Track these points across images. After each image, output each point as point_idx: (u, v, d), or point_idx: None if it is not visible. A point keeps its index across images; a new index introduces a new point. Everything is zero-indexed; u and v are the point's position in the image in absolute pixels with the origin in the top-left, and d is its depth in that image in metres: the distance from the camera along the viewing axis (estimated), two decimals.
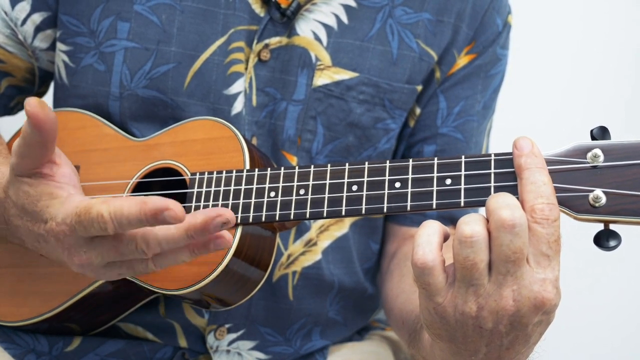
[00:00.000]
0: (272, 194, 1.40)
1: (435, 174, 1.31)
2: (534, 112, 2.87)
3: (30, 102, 1.27)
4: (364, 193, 1.34)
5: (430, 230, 1.23)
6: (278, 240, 1.66)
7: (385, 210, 1.32)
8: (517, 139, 1.26)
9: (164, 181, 1.53)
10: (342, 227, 1.76)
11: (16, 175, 1.36)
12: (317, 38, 1.69)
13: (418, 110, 1.78)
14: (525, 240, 1.18)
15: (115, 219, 1.23)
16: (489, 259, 1.19)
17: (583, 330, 2.95)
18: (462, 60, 1.77)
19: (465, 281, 1.20)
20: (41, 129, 1.28)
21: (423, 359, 1.41)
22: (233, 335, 1.70)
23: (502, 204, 1.18)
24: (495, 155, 1.29)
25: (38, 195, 1.35)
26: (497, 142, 1.92)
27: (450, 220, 1.72)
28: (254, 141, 1.67)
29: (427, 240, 1.22)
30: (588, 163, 1.23)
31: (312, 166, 1.39)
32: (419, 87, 1.74)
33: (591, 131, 1.26)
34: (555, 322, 2.77)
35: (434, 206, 1.30)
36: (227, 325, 1.69)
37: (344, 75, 1.69)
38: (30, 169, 1.35)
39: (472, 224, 1.19)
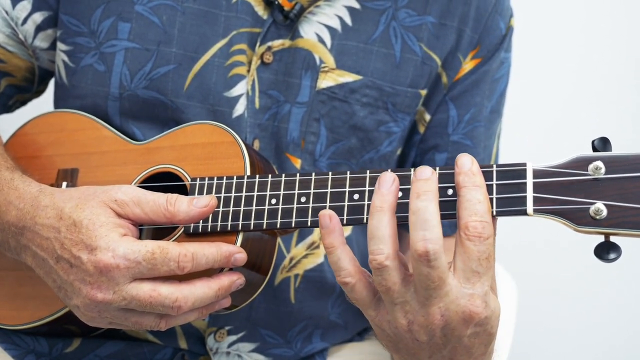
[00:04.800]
0: (273, 201, 1.40)
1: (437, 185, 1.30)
2: (536, 121, 2.87)
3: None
4: (366, 202, 1.34)
5: (335, 258, 1.28)
6: (280, 243, 1.66)
7: None
8: (458, 156, 1.27)
9: (163, 186, 1.53)
10: (346, 229, 1.76)
11: (102, 200, 1.38)
12: (321, 40, 1.68)
13: (428, 117, 1.78)
14: (443, 268, 1.21)
15: (196, 259, 1.34)
16: (402, 277, 1.24)
17: (582, 337, 2.96)
18: (469, 65, 1.77)
19: (388, 301, 1.26)
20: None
21: None
22: (233, 337, 1.70)
23: (420, 237, 1.20)
24: (498, 166, 1.29)
25: (105, 222, 1.36)
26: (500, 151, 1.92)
27: None
28: (256, 144, 1.66)
29: (337, 267, 1.28)
30: (589, 175, 1.23)
31: (314, 174, 1.39)
32: (423, 92, 1.74)
33: (592, 142, 1.26)
34: (556, 327, 2.78)
35: None
36: (227, 328, 1.69)
37: (348, 77, 1.69)
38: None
39: (380, 256, 1.23)
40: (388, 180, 1.26)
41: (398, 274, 1.23)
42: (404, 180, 1.32)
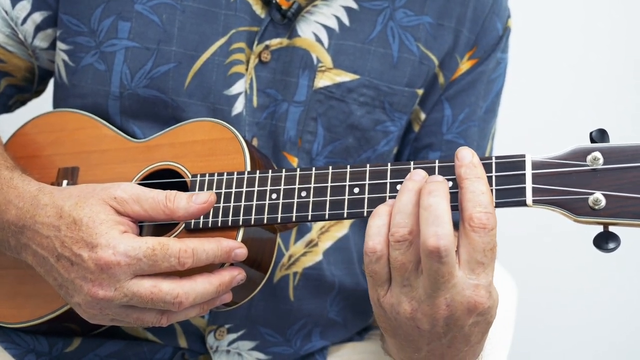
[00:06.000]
0: (274, 196, 1.41)
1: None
2: (534, 115, 2.87)
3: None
4: (366, 196, 1.35)
5: (380, 222, 1.28)
6: (279, 241, 1.67)
7: None
8: (458, 149, 1.29)
9: (164, 183, 1.53)
10: (343, 227, 1.77)
11: (102, 198, 1.39)
12: (319, 40, 1.69)
13: (423, 116, 1.79)
14: (453, 263, 1.22)
15: (196, 254, 1.35)
16: (417, 259, 1.25)
17: (583, 331, 2.96)
18: (465, 65, 1.78)
19: (397, 280, 1.26)
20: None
21: (387, 352, 1.49)
22: (233, 336, 1.70)
23: (432, 233, 1.21)
24: (497, 158, 1.30)
25: (105, 219, 1.37)
26: (498, 145, 1.93)
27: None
28: (255, 142, 1.67)
29: (377, 232, 1.27)
30: (588, 166, 1.24)
31: (314, 168, 1.40)
32: (420, 91, 1.75)
33: (590, 134, 1.27)
34: (556, 322, 2.78)
35: None
36: (227, 326, 1.69)
37: (345, 77, 1.70)
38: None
39: (403, 229, 1.25)
40: (420, 173, 1.29)
41: (415, 253, 1.25)
42: (402, 174, 1.33)
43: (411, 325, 1.28)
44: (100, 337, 1.66)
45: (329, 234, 1.75)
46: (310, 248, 1.73)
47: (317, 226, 1.73)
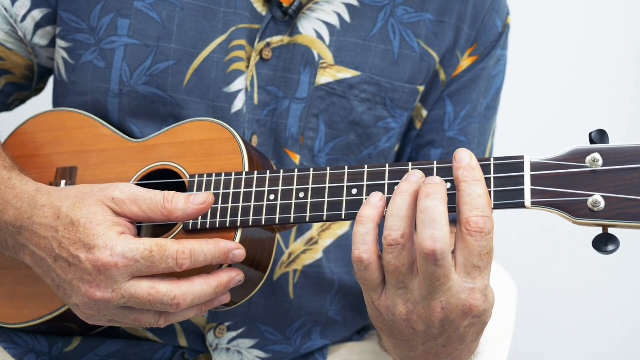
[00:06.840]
0: (272, 197, 1.40)
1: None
2: (533, 114, 2.87)
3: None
4: (364, 197, 1.34)
5: (364, 230, 1.27)
6: (279, 238, 1.66)
7: None
8: (457, 151, 1.28)
9: (162, 183, 1.53)
10: (344, 225, 1.76)
11: (99, 199, 1.38)
12: (320, 37, 1.68)
13: (425, 113, 1.78)
14: (449, 266, 1.21)
15: (194, 256, 1.34)
16: (411, 261, 1.24)
17: (583, 330, 2.95)
18: (466, 62, 1.77)
19: (392, 283, 1.26)
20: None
21: (384, 349, 1.49)
22: (233, 334, 1.70)
23: (428, 235, 1.20)
24: (495, 159, 1.29)
25: (102, 220, 1.36)
26: (498, 145, 1.93)
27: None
28: (255, 139, 1.66)
29: (361, 240, 1.27)
30: (587, 167, 1.23)
31: (312, 169, 1.39)
32: (421, 88, 1.74)
33: (590, 134, 1.26)
34: (556, 322, 2.78)
35: None
36: (227, 324, 1.69)
37: (347, 73, 1.69)
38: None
39: (396, 232, 1.24)
40: (417, 174, 1.27)
41: (409, 256, 1.24)
42: (399, 174, 1.32)
43: (407, 327, 1.28)
44: (100, 336, 1.66)
45: (329, 232, 1.74)
46: (311, 246, 1.72)
47: (317, 224, 1.73)
